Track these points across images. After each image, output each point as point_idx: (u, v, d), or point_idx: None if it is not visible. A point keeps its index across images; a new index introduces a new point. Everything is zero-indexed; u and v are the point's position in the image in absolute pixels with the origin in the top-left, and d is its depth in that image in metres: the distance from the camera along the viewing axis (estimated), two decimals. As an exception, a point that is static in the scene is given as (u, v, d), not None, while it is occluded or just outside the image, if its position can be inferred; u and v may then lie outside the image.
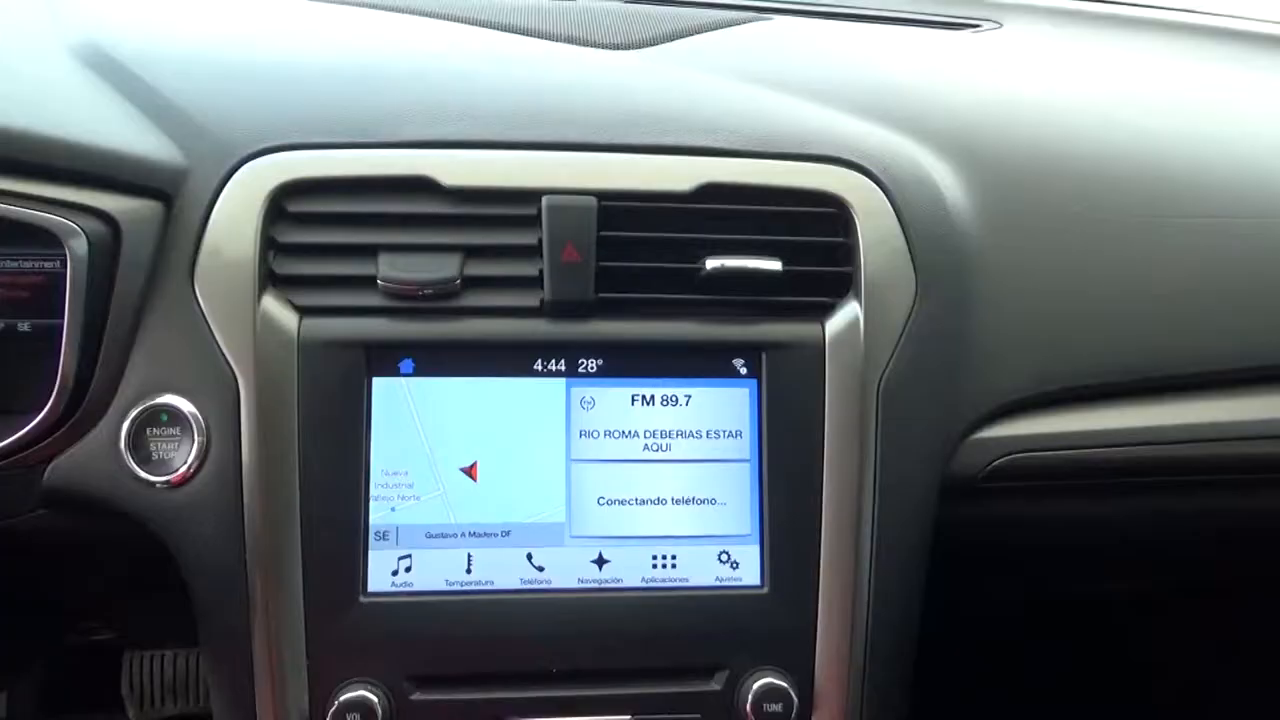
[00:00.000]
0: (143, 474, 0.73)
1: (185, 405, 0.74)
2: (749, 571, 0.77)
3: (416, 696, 0.73)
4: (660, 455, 0.78)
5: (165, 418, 0.74)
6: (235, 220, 0.76)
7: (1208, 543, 0.97)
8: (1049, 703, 1.68)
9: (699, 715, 0.75)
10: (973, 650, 1.62)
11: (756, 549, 0.77)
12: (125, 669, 1.66)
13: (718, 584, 0.77)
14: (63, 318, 0.72)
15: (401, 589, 0.75)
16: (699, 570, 0.77)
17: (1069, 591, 1.11)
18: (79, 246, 0.72)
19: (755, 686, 0.74)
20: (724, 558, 0.78)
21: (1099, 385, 0.84)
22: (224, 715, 0.76)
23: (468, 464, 0.77)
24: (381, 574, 0.75)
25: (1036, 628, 1.64)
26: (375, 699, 0.71)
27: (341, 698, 0.71)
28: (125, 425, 0.73)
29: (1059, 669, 1.66)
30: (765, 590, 0.77)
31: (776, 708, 0.73)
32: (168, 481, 0.73)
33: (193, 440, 0.73)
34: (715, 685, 0.75)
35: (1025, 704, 1.66)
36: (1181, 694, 1.61)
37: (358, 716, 0.70)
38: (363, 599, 0.73)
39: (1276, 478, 0.86)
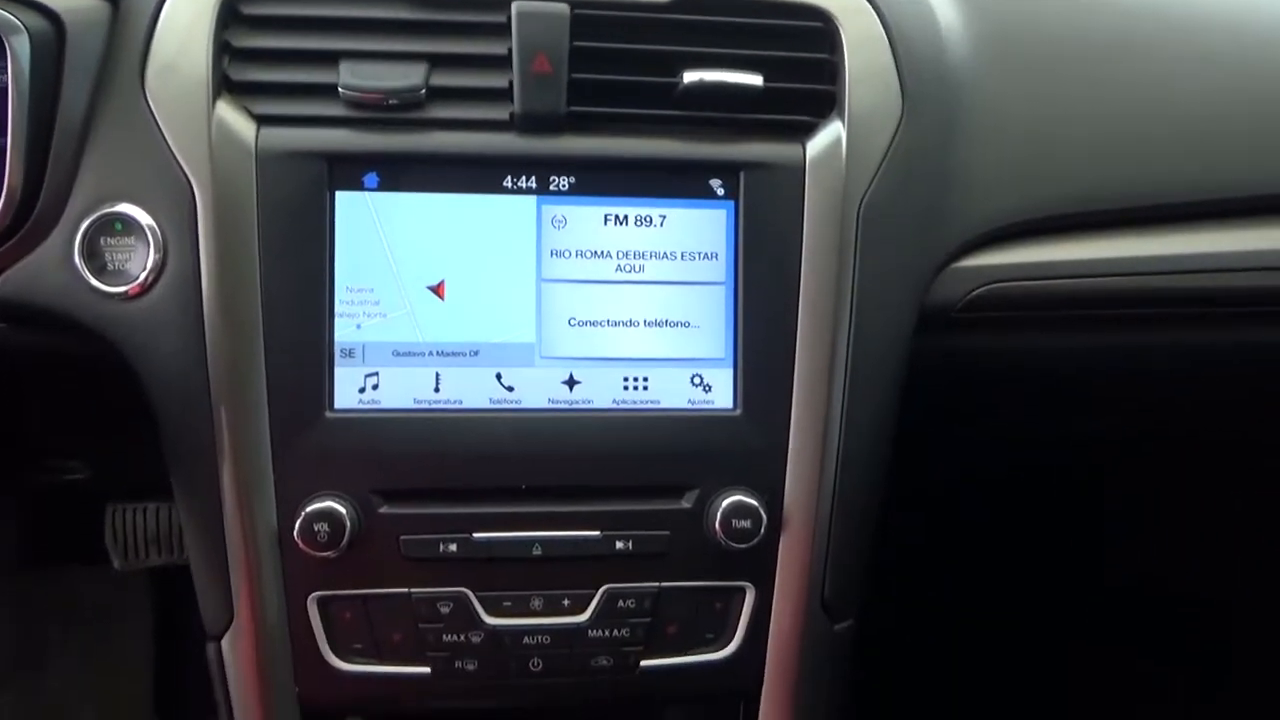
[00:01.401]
0: (99, 284, 0.71)
1: (140, 214, 0.71)
2: (721, 394, 0.77)
3: (385, 510, 0.73)
4: (633, 277, 0.76)
5: (119, 227, 0.71)
6: (185, 22, 0.72)
7: (1185, 380, 0.97)
8: (1012, 564, 1.73)
9: (667, 532, 0.75)
10: (942, 515, 1.65)
11: (730, 372, 0.77)
12: (108, 521, 1.67)
13: (690, 406, 0.76)
14: (6, 125, 0.69)
15: (369, 406, 0.74)
16: (671, 393, 0.76)
17: (1041, 438, 1.12)
18: (21, 45, 0.69)
19: (725, 504, 0.74)
20: (696, 380, 0.77)
21: (1083, 214, 0.82)
22: (193, 533, 0.76)
23: (435, 282, 0.75)
24: (348, 391, 0.74)
25: (1004, 495, 1.67)
26: (343, 510, 0.71)
27: (309, 509, 0.71)
28: (78, 234, 0.71)
29: (1024, 536, 1.70)
30: (737, 413, 0.76)
31: (745, 524, 0.74)
32: (125, 293, 0.71)
33: (148, 250, 0.71)
34: (685, 504, 0.75)
35: (989, 566, 1.70)
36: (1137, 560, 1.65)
37: (325, 527, 0.70)
38: (329, 414, 0.73)
39: (1257, 311, 0.85)
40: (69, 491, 1.62)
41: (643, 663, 0.76)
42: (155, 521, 1.69)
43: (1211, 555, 1.55)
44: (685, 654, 0.77)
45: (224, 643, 0.75)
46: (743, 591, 0.77)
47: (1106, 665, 1.69)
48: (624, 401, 0.76)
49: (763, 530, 0.74)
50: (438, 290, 0.75)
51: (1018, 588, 1.74)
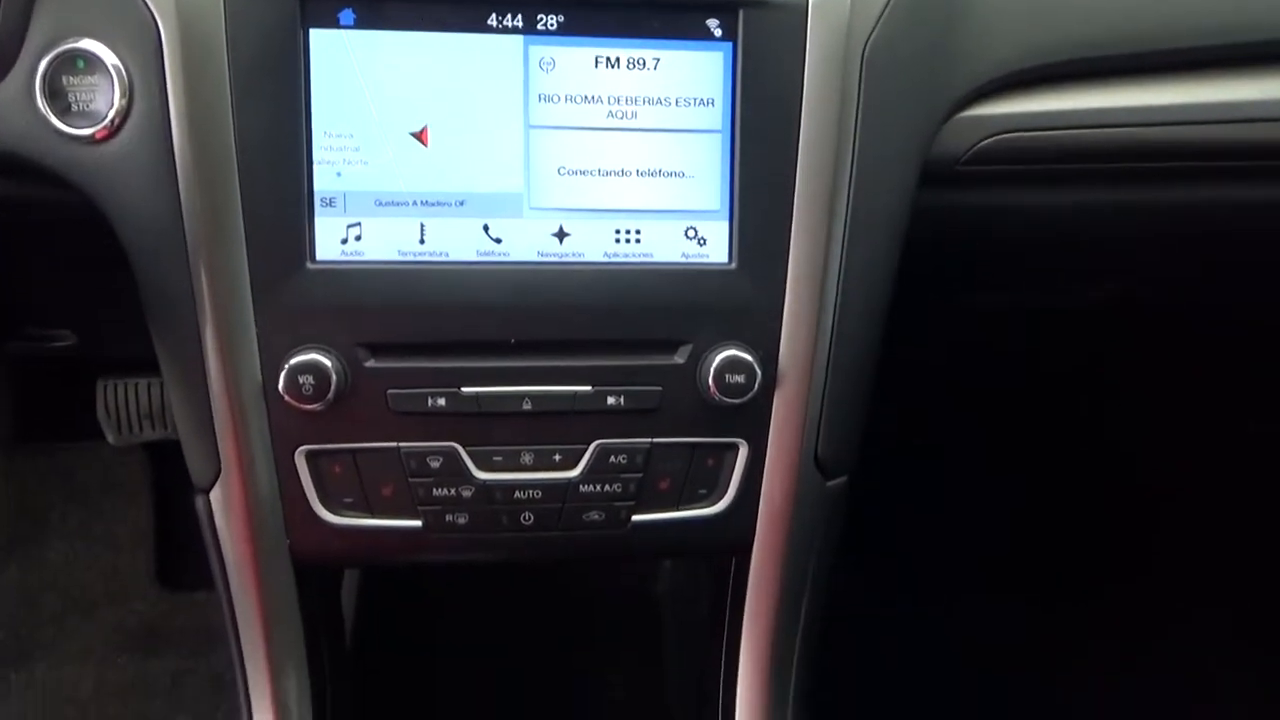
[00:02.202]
0: (63, 126, 0.68)
1: (103, 51, 0.67)
2: (717, 248, 0.74)
3: (371, 364, 0.71)
4: (625, 123, 0.73)
5: (82, 64, 0.67)
6: None
7: (1190, 240, 0.95)
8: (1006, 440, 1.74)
9: (660, 388, 0.74)
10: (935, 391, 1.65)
11: (725, 225, 0.74)
12: (100, 395, 1.67)
13: (683, 260, 0.74)
14: None
15: (352, 258, 0.71)
16: (664, 246, 0.74)
17: (1041, 303, 1.10)
18: None
19: (718, 359, 0.72)
20: (691, 233, 0.74)
21: (1094, 59, 0.78)
22: (176, 388, 0.75)
23: (417, 128, 0.71)
24: (330, 242, 0.71)
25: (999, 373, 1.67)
26: (328, 363, 0.69)
27: (292, 361, 0.69)
28: (39, 72, 0.67)
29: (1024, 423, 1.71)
30: (732, 267, 0.74)
31: (739, 379, 0.72)
32: (91, 135, 0.68)
33: (113, 90, 0.67)
34: (678, 359, 0.74)
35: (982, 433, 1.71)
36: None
37: (310, 380, 0.69)
38: (310, 266, 0.70)
39: (1272, 165, 0.82)
40: (60, 365, 1.61)
41: (634, 518, 0.76)
42: (148, 396, 1.69)
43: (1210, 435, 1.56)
44: (677, 509, 0.77)
45: (212, 495, 0.74)
46: (735, 447, 0.76)
47: (1105, 543, 1.72)
48: (616, 255, 0.74)
49: (756, 386, 0.73)
50: (420, 137, 0.71)
51: (1014, 460, 1.76)
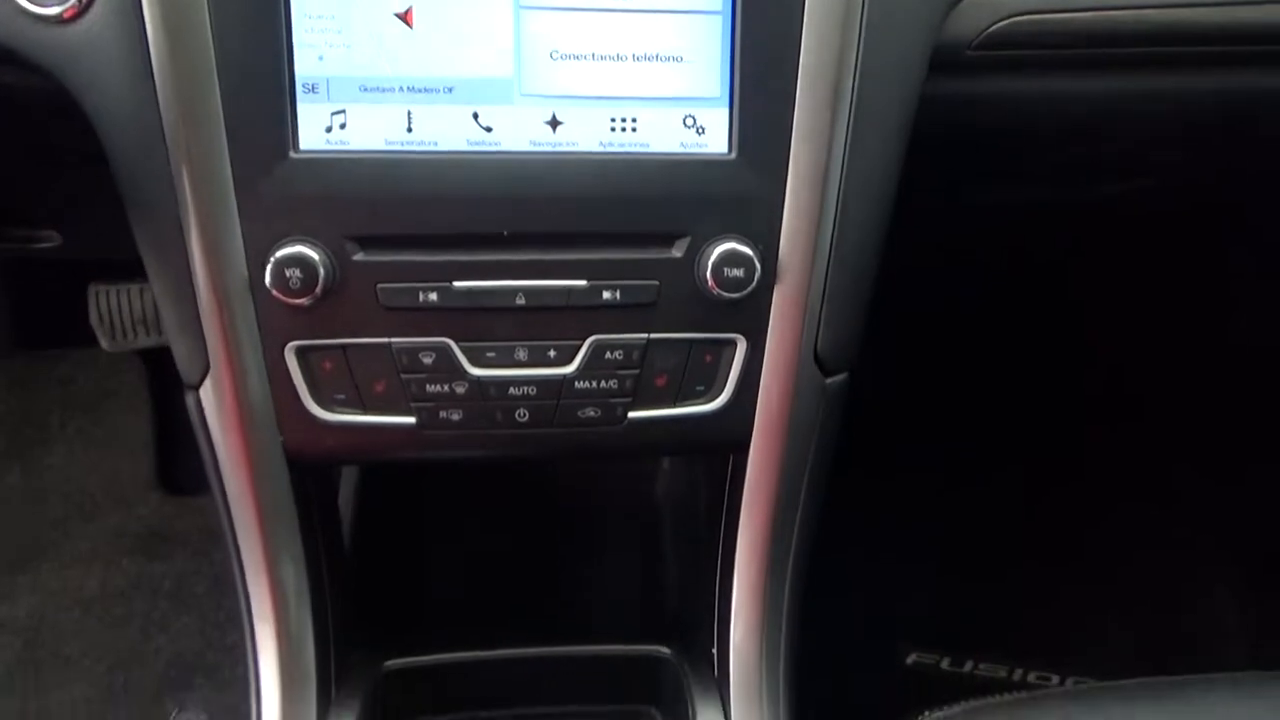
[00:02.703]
0: (29, 5, 0.65)
1: None
2: (716, 137, 0.71)
3: (360, 258, 0.69)
4: (621, 4, 0.69)
5: None
6: None
7: (1209, 138, 0.91)
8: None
9: (657, 282, 0.72)
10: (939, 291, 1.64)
11: (724, 113, 0.71)
12: (92, 301, 1.66)
13: (681, 150, 0.71)
14: None
15: (336, 147, 0.69)
16: (662, 135, 0.71)
17: (1047, 207, 1.07)
18: None
19: (717, 252, 0.70)
20: (689, 122, 0.71)
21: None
22: (160, 283, 0.73)
23: (401, 8, 0.68)
24: (314, 130, 0.68)
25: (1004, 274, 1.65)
26: (315, 256, 0.67)
27: (278, 254, 0.67)
28: None
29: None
30: (732, 157, 0.71)
31: (738, 273, 0.70)
32: (59, 15, 0.65)
33: None
34: (676, 253, 0.72)
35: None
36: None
37: (298, 273, 0.67)
38: (294, 155, 0.68)
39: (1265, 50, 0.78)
40: (51, 270, 1.59)
41: (630, 414, 0.75)
42: (140, 302, 1.68)
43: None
44: (674, 406, 0.76)
45: (202, 392, 0.73)
46: (734, 343, 0.75)
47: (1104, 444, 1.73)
48: (611, 144, 0.71)
49: (756, 280, 0.71)
50: (405, 17, 0.68)
51: (1015, 361, 1.75)
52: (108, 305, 1.65)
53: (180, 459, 1.76)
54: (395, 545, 1.26)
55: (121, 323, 1.66)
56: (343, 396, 0.73)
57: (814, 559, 0.85)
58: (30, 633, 1.54)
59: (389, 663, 0.89)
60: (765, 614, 0.82)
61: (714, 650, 0.86)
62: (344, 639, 0.88)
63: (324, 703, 0.82)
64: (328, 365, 0.72)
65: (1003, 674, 1.56)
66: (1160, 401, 1.75)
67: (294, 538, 0.79)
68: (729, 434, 0.77)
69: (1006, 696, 0.88)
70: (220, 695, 1.45)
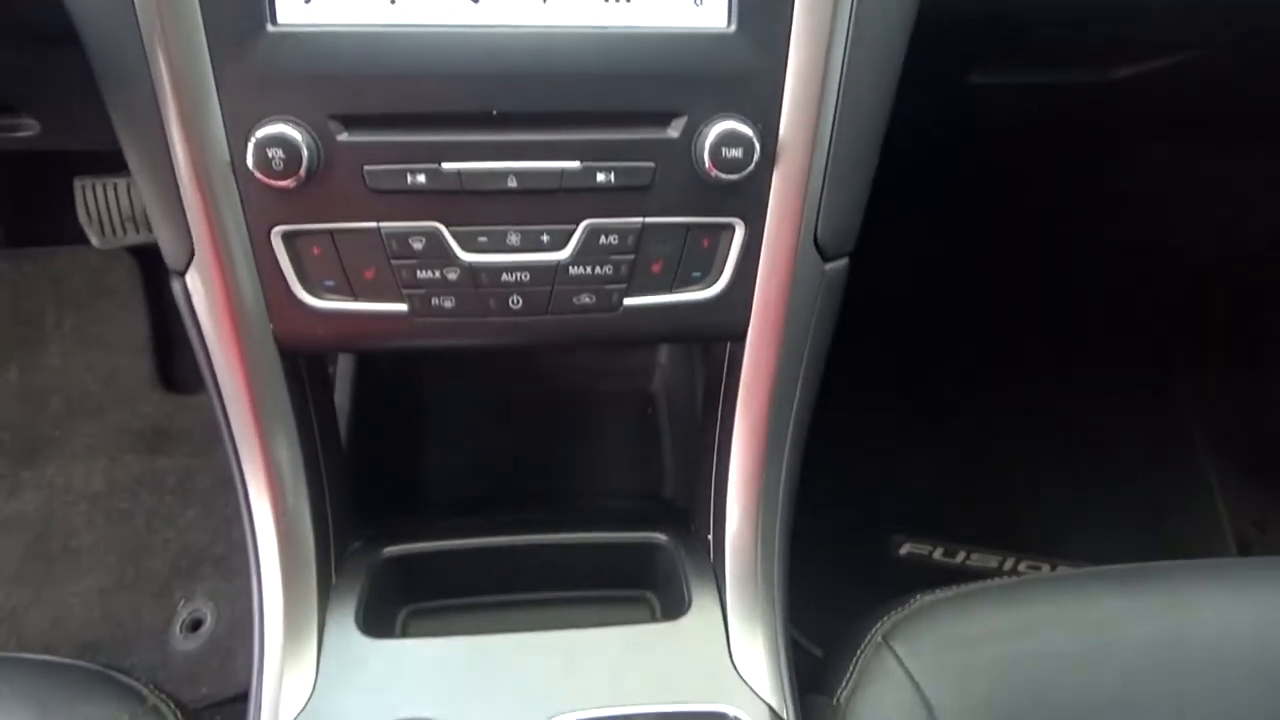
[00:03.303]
0: None
1: None
2: (714, 9, 0.68)
3: (344, 138, 0.67)
4: None
5: None
6: None
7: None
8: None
9: (652, 164, 0.70)
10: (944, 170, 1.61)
11: None
12: (78, 196, 1.63)
13: (679, 24, 0.68)
14: None
15: (316, 20, 0.65)
16: (657, 7, 0.68)
17: (1062, 83, 1.03)
18: None
19: (715, 132, 0.68)
20: (686, -7, 0.68)
21: None
22: (140, 168, 0.70)
23: None
24: (292, 2, 0.65)
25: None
26: (298, 135, 0.65)
27: (259, 134, 0.65)
28: None
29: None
30: (731, 30, 0.68)
31: (736, 153, 0.68)
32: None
33: None
34: (672, 133, 0.69)
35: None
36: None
37: (280, 153, 0.65)
38: (271, 29, 0.65)
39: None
40: (35, 164, 1.56)
41: (626, 301, 0.74)
42: (128, 198, 1.65)
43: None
44: (670, 293, 0.74)
45: (188, 278, 0.72)
46: (731, 228, 0.73)
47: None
48: (605, 19, 0.68)
49: (755, 161, 0.69)
50: (385, -122, 0.64)
51: (1016, 255, 1.74)
52: (95, 201, 1.63)
53: (179, 358, 1.76)
54: (393, 439, 1.27)
55: (110, 219, 1.64)
56: (332, 283, 0.72)
57: (809, 450, 0.85)
58: (40, 526, 1.56)
59: (388, 549, 0.90)
60: (761, 499, 0.82)
61: (709, 536, 0.87)
62: (343, 529, 0.89)
63: (324, 588, 0.83)
64: (316, 251, 0.70)
65: (994, 564, 1.59)
66: (1159, 299, 1.74)
67: (289, 427, 0.79)
68: (726, 321, 0.76)
69: (997, 580, 0.89)
70: (228, 585, 1.48)
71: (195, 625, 1.45)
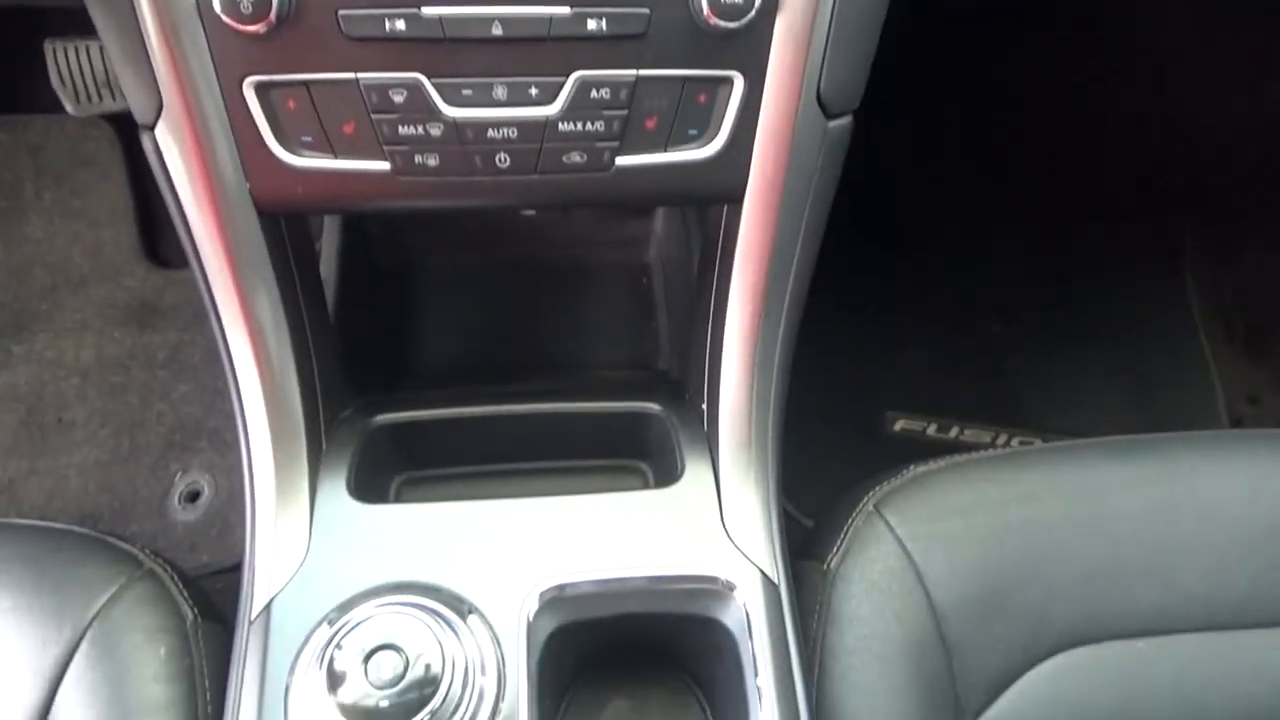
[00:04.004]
0: None
1: None
2: None
3: None
4: None
5: None
6: None
7: None
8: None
9: (647, 10, 0.65)
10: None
11: None
12: (50, 60, 1.56)
13: None
14: None
15: None
16: None
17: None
18: None
19: None
20: None
21: None
22: (104, 18, 0.66)
23: None
24: None
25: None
26: None
27: None
28: None
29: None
30: None
31: None
32: None
33: None
34: None
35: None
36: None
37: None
38: None
39: None
40: (2, 25, 1.49)
41: (619, 160, 0.70)
42: (102, 62, 1.58)
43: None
44: (665, 151, 0.71)
45: (158, 132, 0.68)
46: (730, 81, 0.69)
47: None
48: None
49: (756, 7, 0.64)
50: None
51: (1021, 125, 1.69)
52: (68, 64, 1.56)
53: (165, 232, 1.72)
54: (383, 311, 1.25)
55: (84, 84, 1.58)
56: (309, 139, 0.68)
57: (804, 324, 0.83)
58: (33, 399, 1.56)
59: (379, 417, 0.89)
60: (756, 367, 0.81)
61: (704, 405, 0.86)
62: (333, 397, 0.88)
63: (314, 454, 0.82)
64: (291, 104, 0.67)
65: (987, 439, 1.60)
66: (1168, 176, 1.70)
67: (271, 290, 0.76)
68: (723, 181, 0.73)
69: (991, 452, 0.89)
70: (223, 458, 1.49)
71: (193, 496, 1.47)
